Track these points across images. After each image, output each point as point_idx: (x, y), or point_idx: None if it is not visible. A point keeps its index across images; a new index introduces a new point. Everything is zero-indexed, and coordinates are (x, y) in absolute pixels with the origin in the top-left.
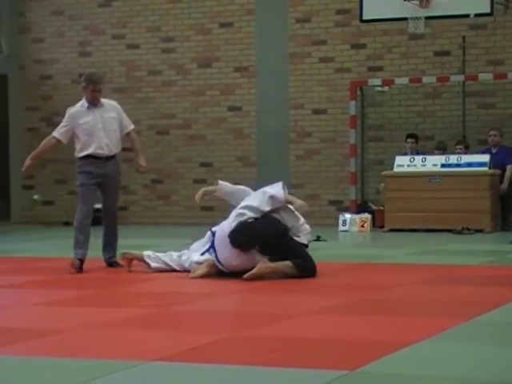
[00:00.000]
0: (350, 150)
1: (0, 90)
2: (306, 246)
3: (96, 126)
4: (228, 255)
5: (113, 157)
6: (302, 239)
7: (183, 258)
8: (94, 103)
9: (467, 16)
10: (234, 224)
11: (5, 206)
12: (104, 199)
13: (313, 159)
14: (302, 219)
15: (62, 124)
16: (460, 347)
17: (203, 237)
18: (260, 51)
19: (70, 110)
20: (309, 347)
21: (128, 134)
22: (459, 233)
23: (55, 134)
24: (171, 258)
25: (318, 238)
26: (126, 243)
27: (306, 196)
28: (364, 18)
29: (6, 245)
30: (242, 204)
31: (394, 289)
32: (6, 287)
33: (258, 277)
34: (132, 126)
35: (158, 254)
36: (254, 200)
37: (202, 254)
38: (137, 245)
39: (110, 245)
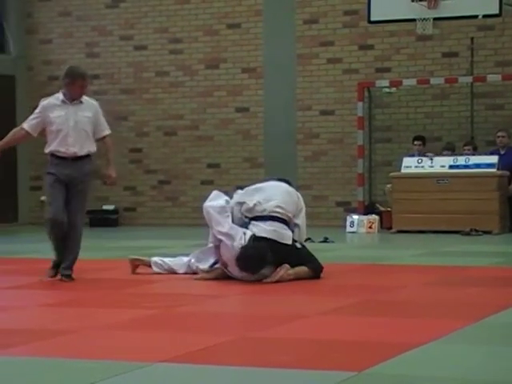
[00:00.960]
0: (358, 151)
1: (8, 90)
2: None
3: (67, 123)
4: (238, 272)
5: (81, 159)
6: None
7: (192, 260)
8: (74, 97)
9: (475, 17)
10: (239, 244)
11: (12, 207)
12: (67, 207)
13: (320, 160)
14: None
15: (32, 115)
16: (469, 348)
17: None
18: (267, 52)
19: (43, 102)
20: (317, 348)
21: (103, 139)
22: (467, 234)
23: (25, 125)
24: (181, 262)
25: (326, 240)
26: (134, 244)
27: (313, 197)
28: (372, 19)
29: (13, 245)
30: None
31: (402, 290)
32: (14, 288)
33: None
34: (108, 131)
35: (166, 260)
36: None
37: (211, 266)
38: (144, 246)
39: (66, 259)
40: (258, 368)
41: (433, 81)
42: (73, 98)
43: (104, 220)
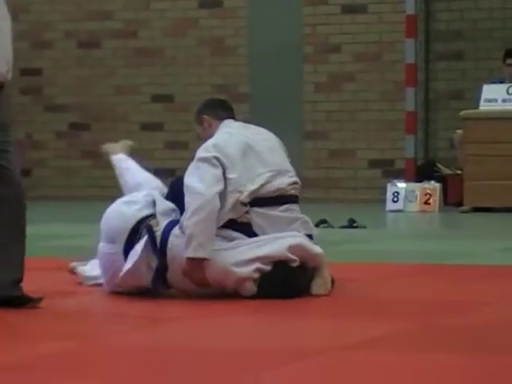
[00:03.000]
0: (406, 75)
1: None
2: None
3: None
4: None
5: None
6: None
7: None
8: None
9: None
10: None
11: None
12: None
13: (342, 90)
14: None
15: None
16: None
17: None
18: None
19: None
20: None
21: None
22: None
23: None
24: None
25: (352, 224)
26: (28, 231)
27: (330, 153)
28: None
29: None
30: None
31: (485, 308)
32: None
33: None
34: None
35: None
36: None
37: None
38: (44, 234)
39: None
40: None
41: None
42: None
43: None
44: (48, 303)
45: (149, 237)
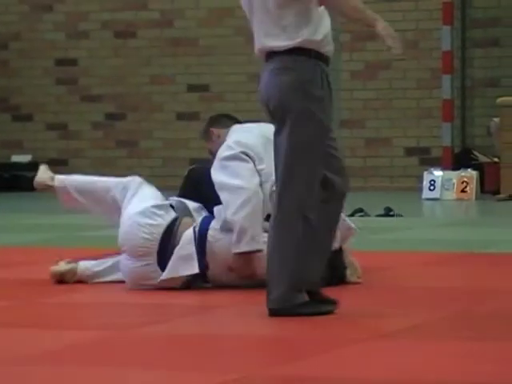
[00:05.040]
0: (443, 62)
1: None
2: None
3: None
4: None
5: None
6: None
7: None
8: None
9: None
10: None
11: None
12: None
13: (378, 78)
14: None
15: None
16: None
17: None
18: None
19: None
20: None
21: None
22: None
23: None
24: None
25: (389, 212)
26: (64, 221)
27: (366, 142)
28: None
29: None
30: None
31: None
32: None
33: None
34: None
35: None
36: None
37: None
38: (81, 224)
39: None
40: None
41: None
42: None
43: (13, 180)
44: (80, 294)
45: (196, 236)
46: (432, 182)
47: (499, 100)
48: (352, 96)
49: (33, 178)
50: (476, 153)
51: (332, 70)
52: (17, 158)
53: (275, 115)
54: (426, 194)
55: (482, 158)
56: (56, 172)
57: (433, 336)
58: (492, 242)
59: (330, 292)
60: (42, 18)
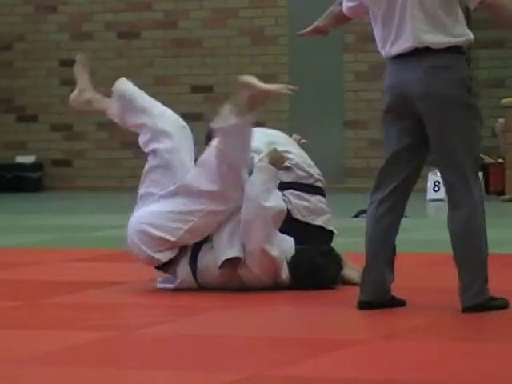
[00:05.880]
0: None
1: None
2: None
3: None
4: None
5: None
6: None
7: None
8: None
9: None
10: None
11: None
12: None
13: (383, 78)
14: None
15: None
16: None
17: None
18: None
19: None
20: None
21: None
22: None
23: None
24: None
25: None
26: (67, 222)
27: (369, 142)
28: None
29: None
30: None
31: None
32: None
33: None
34: None
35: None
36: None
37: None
38: (84, 225)
39: None
40: None
41: None
42: None
43: (17, 181)
44: (85, 294)
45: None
46: (436, 183)
47: (504, 101)
48: (356, 97)
49: (36, 178)
50: (481, 154)
51: (336, 71)
52: (21, 159)
53: (428, 112)
54: (430, 194)
55: (487, 159)
56: (60, 173)
57: (433, 336)
58: (496, 244)
59: (329, 291)
60: (46, 19)
